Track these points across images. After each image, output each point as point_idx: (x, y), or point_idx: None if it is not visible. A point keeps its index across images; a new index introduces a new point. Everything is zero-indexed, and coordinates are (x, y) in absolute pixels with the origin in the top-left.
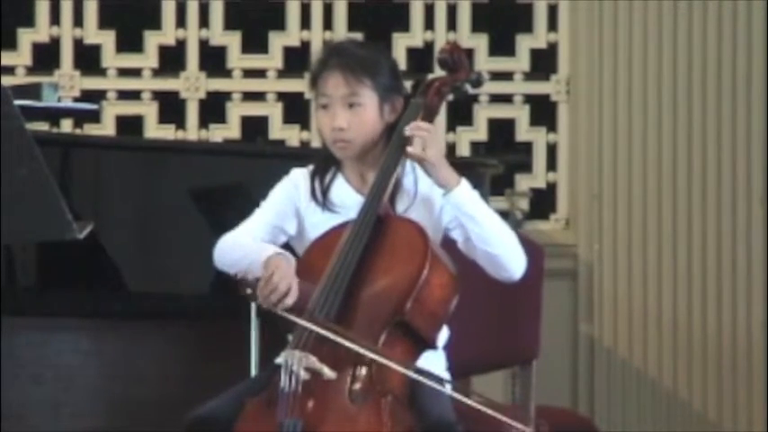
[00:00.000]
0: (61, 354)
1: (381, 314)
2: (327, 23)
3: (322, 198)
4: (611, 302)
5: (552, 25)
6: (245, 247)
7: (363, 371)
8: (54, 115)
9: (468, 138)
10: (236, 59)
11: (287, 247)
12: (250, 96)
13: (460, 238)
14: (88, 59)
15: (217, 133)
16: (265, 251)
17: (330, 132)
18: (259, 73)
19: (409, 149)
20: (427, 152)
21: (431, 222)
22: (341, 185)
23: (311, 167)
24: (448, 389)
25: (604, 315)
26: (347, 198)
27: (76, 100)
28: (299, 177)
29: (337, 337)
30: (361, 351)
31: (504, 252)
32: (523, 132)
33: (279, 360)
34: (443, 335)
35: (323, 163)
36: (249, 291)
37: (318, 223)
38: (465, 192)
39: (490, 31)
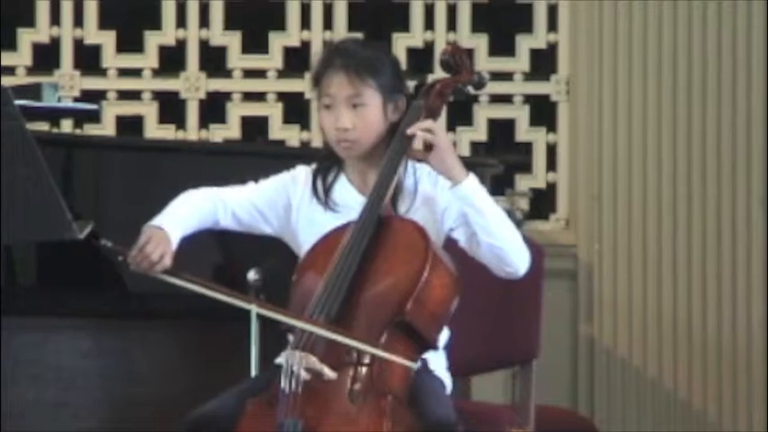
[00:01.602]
0: (61, 354)
1: (382, 314)
2: (327, 23)
3: (324, 197)
4: (611, 302)
5: (552, 25)
6: (171, 207)
7: (364, 371)
8: (54, 115)
9: (468, 138)
10: (236, 59)
11: (280, 245)
12: (250, 96)
13: (463, 237)
14: (88, 59)
15: (217, 133)
16: (158, 219)
17: (334, 133)
18: (259, 73)
19: (415, 146)
20: (438, 139)
21: (432, 224)
22: (343, 185)
23: (314, 166)
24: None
25: (604, 315)
26: (349, 198)
27: (76, 100)
28: (300, 174)
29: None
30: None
31: (508, 246)
32: (523, 132)
33: (279, 360)
34: (444, 335)
35: (325, 161)
36: (120, 258)
37: (320, 223)
38: (473, 184)
39: (490, 31)
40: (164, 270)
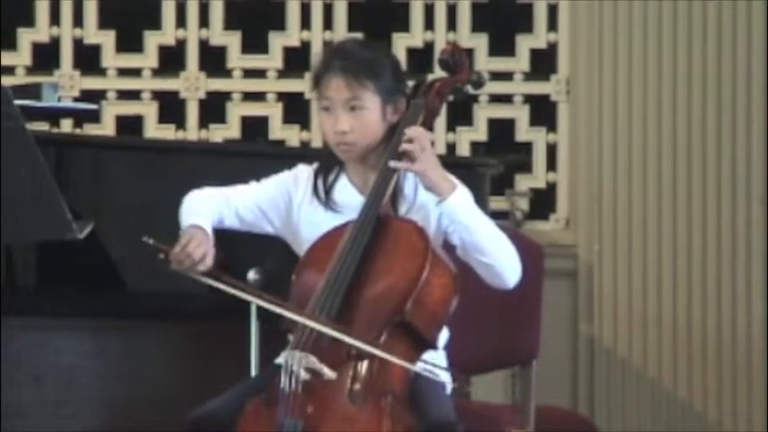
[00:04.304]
0: (61, 354)
1: (382, 314)
2: (327, 23)
3: (325, 197)
4: (611, 302)
5: (552, 25)
6: (193, 206)
7: (363, 371)
8: (54, 115)
9: (468, 138)
10: (236, 59)
11: (280, 245)
12: (250, 96)
13: (457, 243)
14: (88, 59)
15: (217, 133)
16: (191, 219)
17: (333, 135)
18: (259, 73)
19: (391, 163)
20: (414, 164)
21: (431, 225)
22: (344, 185)
23: (315, 166)
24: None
25: (604, 315)
26: (350, 198)
27: (76, 100)
28: (302, 174)
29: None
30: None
31: (497, 262)
32: (523, 132)
33: (279, 360)
34: (444, 335)
35: (326, 162)
36: (162, 256)
37: (321, 222)
38: (458, 201)
39: (490, 31)
40: (205, 270)
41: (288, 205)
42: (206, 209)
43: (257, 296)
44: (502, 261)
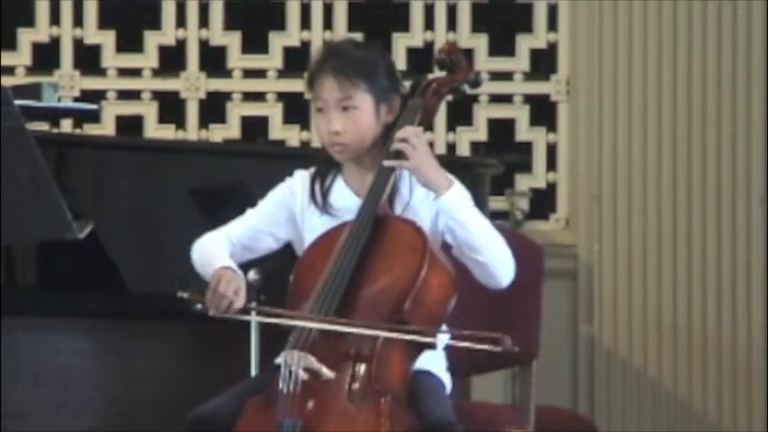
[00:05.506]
0: (61, 354)
1: (380, 314)
2: (327, 23)
3: (322, 202)
4: (611, 302)
5: (552, 25)
6: (206, 254)
7: (362, 371)
8: (54, 115)
9: (468, 138)
10: (236, 59)
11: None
12: (250, 96)
13: (453, 242)
14: (88, 59)
15: (217, 133)
16: (213, 264)
17: (327, 136)
18: (259, 73)
19: (384, 162)
20: (407, 162)
21: (428, 226)
22: (340, 189)
23: (312, 170)
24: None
25: (604, 315)
26: (346, 201)
27: (76, 100)
28: (297, 181)
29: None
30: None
31: (491, 260)
32: (523, 132)
33: (278, 360)
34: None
35: (323, 166)
36: (199, 306)
37: (317, 226)
38: (454, 197)
39: (490, 31)
40: (243, 307)
41: (291, 218)
42: (220, 249)
43: (302, 320)
44: (496, 260)
